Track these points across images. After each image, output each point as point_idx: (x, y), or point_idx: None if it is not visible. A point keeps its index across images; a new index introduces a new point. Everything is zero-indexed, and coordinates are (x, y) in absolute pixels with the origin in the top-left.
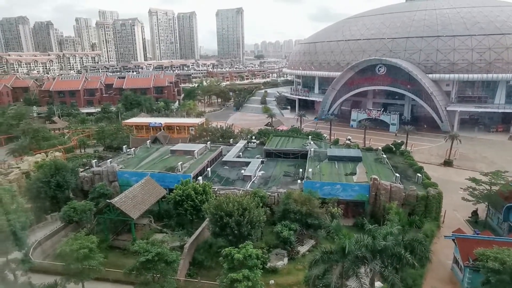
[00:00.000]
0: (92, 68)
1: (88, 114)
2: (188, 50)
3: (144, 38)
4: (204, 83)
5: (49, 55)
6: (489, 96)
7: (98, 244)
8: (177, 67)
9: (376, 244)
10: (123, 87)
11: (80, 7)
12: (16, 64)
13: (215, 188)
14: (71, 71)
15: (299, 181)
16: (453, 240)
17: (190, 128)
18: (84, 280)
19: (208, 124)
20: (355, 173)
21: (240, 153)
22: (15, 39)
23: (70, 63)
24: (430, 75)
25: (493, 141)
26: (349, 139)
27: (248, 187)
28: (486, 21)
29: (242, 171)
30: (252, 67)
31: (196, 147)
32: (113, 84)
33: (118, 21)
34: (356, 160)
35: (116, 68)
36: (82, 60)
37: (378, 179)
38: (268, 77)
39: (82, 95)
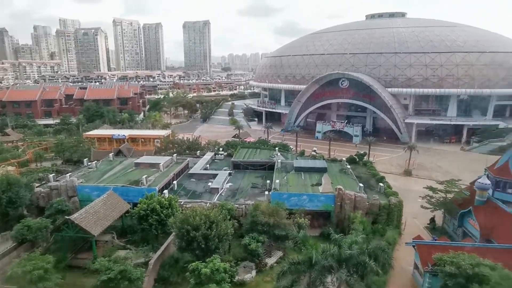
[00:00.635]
0: (51, 78)
1: (46, 126)
2: (154, 61)
3: (108, 48)
4: (171, 95)
5: (2, 63)
6: (443, 109)
7: (54, 264)
8: (142, 78)
9: (342, 253)
10: (85, 98)
11: (39, 14)
12: None
13: (181, 202)
14: (28, 81)
15: (266, 192)
16: (413, 246)
17: (156, 140)
18: None
19: (174, 136)
20: (321, 184)
21: (207, 165)
22: None
23: (26, 72)
24: (389, 89)
25: (447, 151)
26: (314, 150)
27: (215, 200)
28: (438, 40)
29: (209, 184)
30: (219, 79)
31: (162, 160)
32: (73, 94)
33: (80, 30)
34: (321, 171)
35: (77, 78)
36: (40, 70)
37: (343, 189)
38: (235, 89)
39: (40, 106)
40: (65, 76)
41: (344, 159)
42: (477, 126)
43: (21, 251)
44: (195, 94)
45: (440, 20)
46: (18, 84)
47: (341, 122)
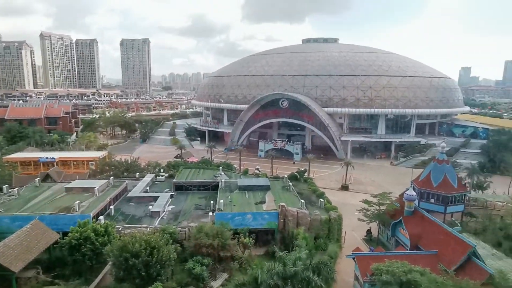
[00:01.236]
0: None
1: None
2: (88, 79)
3: (34, 64)
4: (107, 114)
5: None
6: (373, 128)
7: None
8: (75, 97)
9: (286, 271)
10: (5, 118)
11: None
12: None
13: (119, 228)
14: None
15: (210, 213)
16: (353, 258)
17: (90, 162)
18: None
19: (111, 157)
20: (265, 202)
21: (148, 188)
22: None
23: None
24: (325, 109)
25: (379, 166)
26: (257, 169)
27: (156, 224)
28: (366, 65)
29: (150, 207)
30: (160, 98)
31: (97, 183)
32: None
33: (1, 43)
34: (265, 188)
35: None
36: None
37: (286, 206)
38: (177, 108)
39: None
40: None
41: (286, 176)
42: (402, 142)
43: None
44: (134, 113)
45: (368, 47)
46: None
47: (282, 141)
